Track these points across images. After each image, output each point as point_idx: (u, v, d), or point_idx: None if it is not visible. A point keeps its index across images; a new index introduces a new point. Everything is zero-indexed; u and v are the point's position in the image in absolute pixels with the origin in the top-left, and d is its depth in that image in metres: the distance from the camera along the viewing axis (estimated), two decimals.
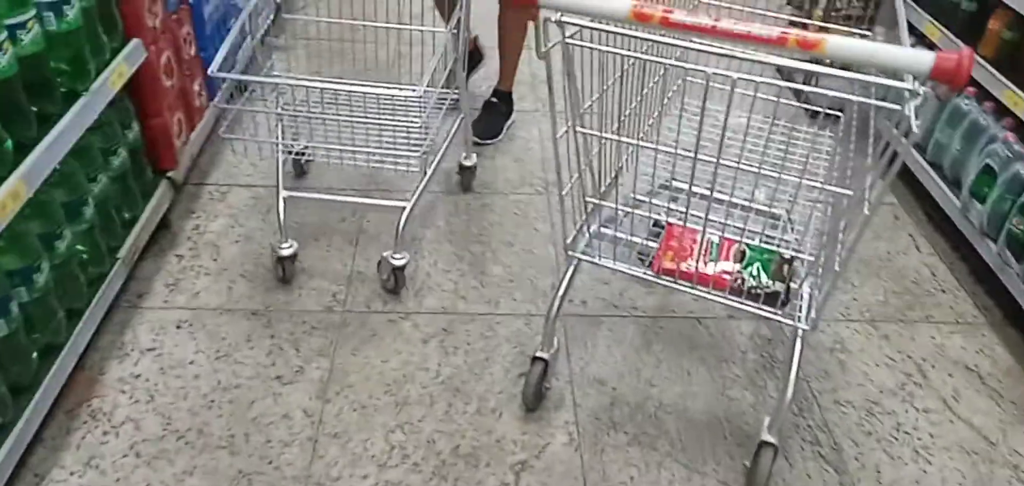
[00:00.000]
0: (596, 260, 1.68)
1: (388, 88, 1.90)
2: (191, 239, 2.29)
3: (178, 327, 1.99)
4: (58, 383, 1.66)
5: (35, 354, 1.62)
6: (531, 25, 2.65)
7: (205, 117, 2.55)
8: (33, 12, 1.61)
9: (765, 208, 1.79)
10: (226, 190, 2.49)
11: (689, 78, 1.66)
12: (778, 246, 1.64)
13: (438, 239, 2.30)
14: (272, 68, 2.20)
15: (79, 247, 1.80)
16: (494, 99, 2.86)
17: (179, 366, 1.88)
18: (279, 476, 1.63)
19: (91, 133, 1.82)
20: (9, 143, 1.53)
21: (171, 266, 2.18)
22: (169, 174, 2.27)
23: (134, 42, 2.01)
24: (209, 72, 1.87)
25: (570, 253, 1.70)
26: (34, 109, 1.63)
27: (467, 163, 2.54)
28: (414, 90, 1.88)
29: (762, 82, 1.27)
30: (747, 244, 1.62)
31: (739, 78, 1.23)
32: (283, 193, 2.14)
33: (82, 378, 1.81)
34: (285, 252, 2.11)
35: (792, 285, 1.56)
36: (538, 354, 1.78)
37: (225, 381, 1.84)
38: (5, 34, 1.52)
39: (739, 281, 1.57)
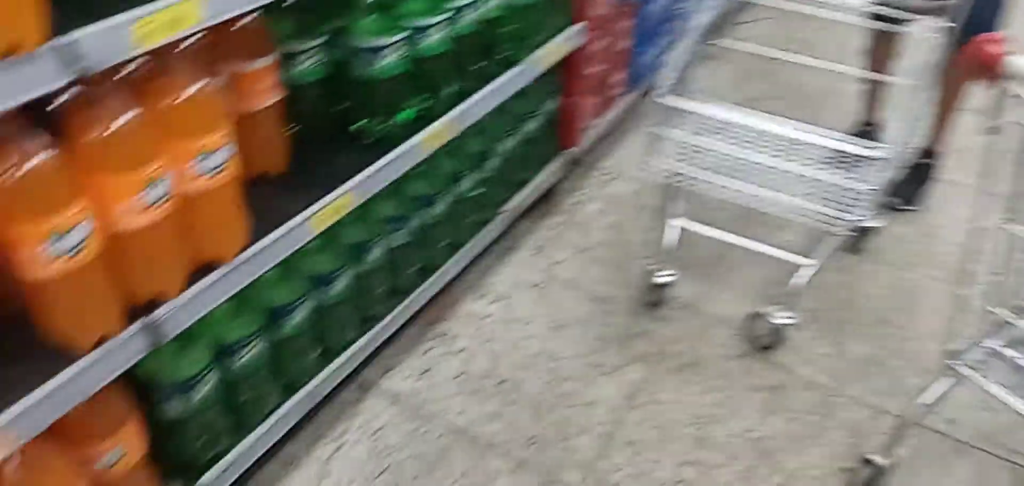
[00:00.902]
0: (985, 382, 1.40)
1: (849, 142, 1.72)
2: (567, 212, 2.47)
3: (532, 287, 2.18)
4: (424, 298, 1.96)
5: (414, 269, 1.93)
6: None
7: (617, 106, 2.71)
8: None
9: None
10: (612, 177, 2.63)
11: None
12: None
13: (804, 291, 2.13)
14: (695, 83, 2.19)
15: (475, 191, 2.07)
16: (922, 159, 2.50)
17: (519, 322, 2.06)
18: (566, 456, 1.71)
19: (515, 98, 2.03)
20: (452, 89, 1.80)
21: (542, 232, 2.39)
22: (569, 150, 2.47)
23: (579, 26, 2.19)
24: (656, 99, 1.88)
25: (951, 362, 1.44)
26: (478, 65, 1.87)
27: (868, 224, 2.24)
28: (882, 150, 1.69)
29: None
30: None
31: None
32: (675, 221, 2.12)
33: (442, 300, 2.09)
34: (662, 279, 2.07)
35: None
36: (874, 458, 1.55)
37: (551, 350, 1.98)
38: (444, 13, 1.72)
39: None
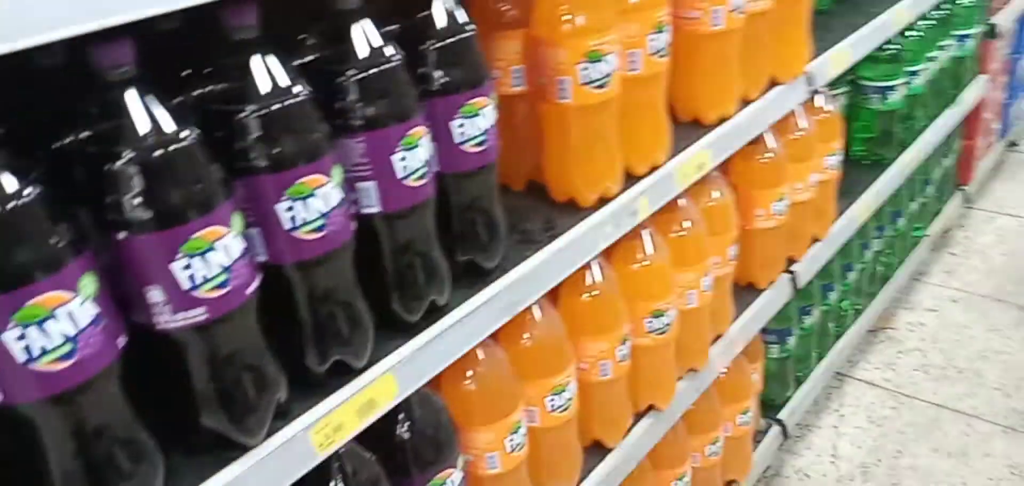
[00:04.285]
0: None
1: None
2: (962, 243, 3.02)
3: (953, 302, 2.77)
4: (871, 318, 2.55)
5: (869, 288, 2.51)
6: None
7: (994, 150, 3.31)
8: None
9: None
10: (997, 213, 3.08)
11: None
12: None
13: None
14: None
15: (910, 221, 2.65)
16: None
17: (955, 327, 2.65)
18: None
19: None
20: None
21: (946, 259, 2.99)
22: (964, 187, 3.05)
23: (984, 77, 2.84)
24: None
25: None
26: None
27: None
28: None
29: None
30: None
31: None
32: None
33: (882, 315, 2.65)
34: None
35: None
36: None
37: (996, 346, 2.53)
38: (925, 62, 2.36)
39: None
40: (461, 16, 1.04)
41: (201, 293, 0.79)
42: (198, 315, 0.79)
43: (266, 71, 0.83)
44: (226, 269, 0.79)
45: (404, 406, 1.11)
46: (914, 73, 2.34)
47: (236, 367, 0.85)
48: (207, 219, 0.77)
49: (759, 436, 2.11)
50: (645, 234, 1.48)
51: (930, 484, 2.14)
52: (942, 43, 2.47)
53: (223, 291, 0.80)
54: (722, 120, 1.57)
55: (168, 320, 0.79)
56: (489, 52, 1.27)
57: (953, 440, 2.28)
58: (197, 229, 0.77)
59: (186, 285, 0.78)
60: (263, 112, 0.83)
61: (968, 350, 2.58)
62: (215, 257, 0.78)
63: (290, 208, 0.86)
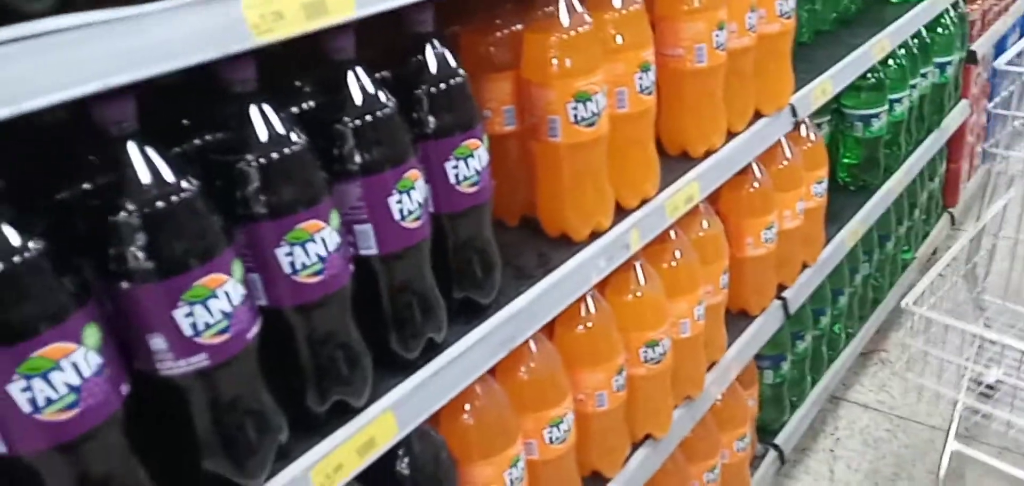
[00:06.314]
0: None
1: None
2: (949, 265, 2.88)
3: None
4: (863, 341, 2.56)
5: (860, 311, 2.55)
6: None
7: (978, 173, 3.35)
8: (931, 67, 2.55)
9: None
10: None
11: None
12: None
13: None
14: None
15: (897, 244, 2.68)
16: None
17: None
18: None
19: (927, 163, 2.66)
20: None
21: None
22: (950, 210, 3.10)
23: (965, 101, 2.91)
24: (903, 305, 1.89)
25: None
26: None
27: None
28: None
29: None
30: None
31: None
32: (952, 444, 2.08)
33: (874, 337, 2.66)
34: None
35: None
36: None
37: None
38: (907, 90, 2.39)
39: None
40: (452, 62, 1.07)
41: (203, 339, 0.80)
42: (200, 361, 0.81)
43: (264, 121, 0.86)
44: (227, 315, 0.81)
45: (404, 443, 1.11)
46: (896, 101, 2.39)
47: (238, 411, 0.86)
48: (208, 267, 0.79)
49: (756, 462, 2.12)
50: (638, 266, 1.51)
51: None
52: (923, 70, 2.53)
53: (224, 337, 0.82)
54: (709, 153, 1.60)
55: (170, 367, 0.81)
56: (481, 93, 1.31)
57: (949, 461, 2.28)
58: (199, 277, 0.78)
59: (188, 332, 0.79)
60: (262, 161, 0.85)
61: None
62: (216, 304, 0.80)
63: (289, 253, 0.88)
